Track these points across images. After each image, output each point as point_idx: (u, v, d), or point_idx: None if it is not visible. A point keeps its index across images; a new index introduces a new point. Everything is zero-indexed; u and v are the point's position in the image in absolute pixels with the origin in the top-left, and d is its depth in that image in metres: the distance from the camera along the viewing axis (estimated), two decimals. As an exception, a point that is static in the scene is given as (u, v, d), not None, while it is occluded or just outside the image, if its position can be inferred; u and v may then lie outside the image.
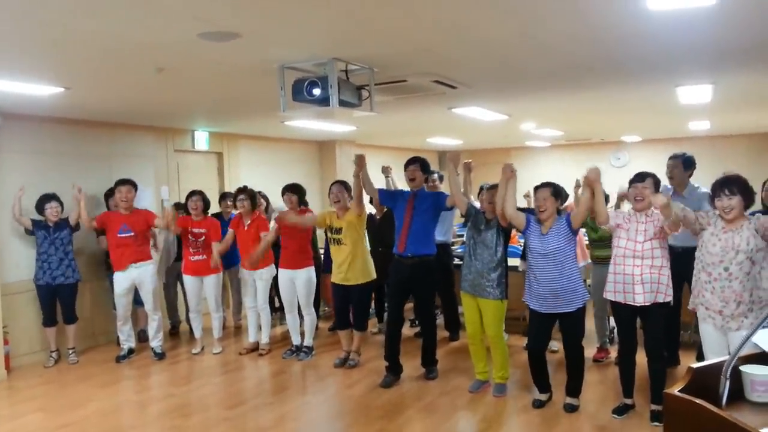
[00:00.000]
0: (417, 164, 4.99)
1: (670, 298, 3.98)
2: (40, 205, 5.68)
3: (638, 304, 3.96)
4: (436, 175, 6.19)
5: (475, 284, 4.52)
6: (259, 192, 6.31)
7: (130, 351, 5.95)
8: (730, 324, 3.55)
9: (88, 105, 5.44)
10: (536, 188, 4.29)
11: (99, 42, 3.35)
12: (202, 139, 7.69)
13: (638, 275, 3.93)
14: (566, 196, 4.33)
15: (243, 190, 5.90)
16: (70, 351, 5.85)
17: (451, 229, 6.37)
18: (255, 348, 6.04)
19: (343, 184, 5.40)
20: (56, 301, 5.76)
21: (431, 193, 5.22)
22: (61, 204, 5.76)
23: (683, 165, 4.92)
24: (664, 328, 4.05)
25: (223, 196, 7.08)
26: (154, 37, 3.29)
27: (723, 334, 3.58)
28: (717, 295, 3.58)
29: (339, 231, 5.25)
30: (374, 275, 5.36)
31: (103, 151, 6.55)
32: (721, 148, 10.76)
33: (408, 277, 4.89)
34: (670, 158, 5.03)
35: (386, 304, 5.65)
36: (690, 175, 4.96)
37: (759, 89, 5.87)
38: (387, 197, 5.23)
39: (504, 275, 4.52)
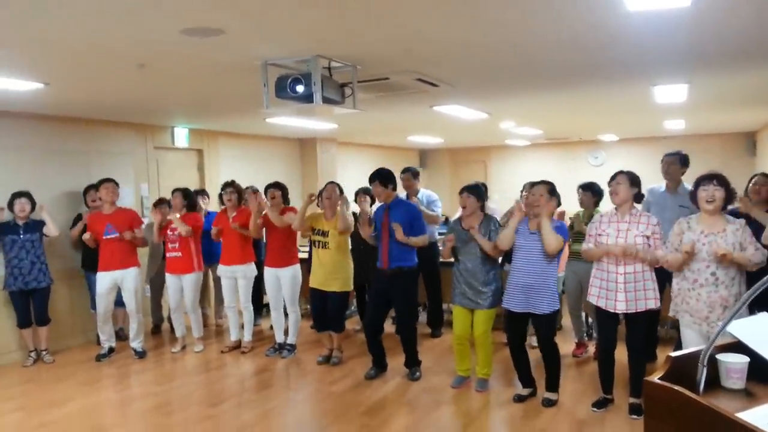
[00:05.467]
0: (376, 181, 4.90)
1: (654, 304, 3.93)
2: (11, 201, 5.56)
3: (619, 311, 3.96)
4: (409, 173, 6.19)
5: (470, 299, 4.53)
6: (249, 187, 6.28)
7: (111, 350, 5.90)
8: (716, 329, 3.51)
9: (66, 101, 5.37)
10: (533, 184, 4.37)
11: (80, 38, 3.32)
12: (182, 136, 7.64)
13: (621, 282, 3.90)
14: (559, 196, 4.37)
15: (230, 184, 5.89)
16: (44, 352, 5.78)
17: (434, 228, 6.40)
18: (237, 346, 6.03)
19: (337, 185, 5.42)
20: (30, 302, 5.65)
21: (400, 208, 4.96)
22: (33, 202, 5.63)
23: (680, 161, 5.05)
24: (646, 328, 4.08)
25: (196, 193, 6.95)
26: (136, 33, 3.27)
27: (707, 341, 3.55)
28: (703, 301, 3.54)
29: (326, 234, 5.25)
30: (351, 286, 5.39)
31: (81, 147, 6.47)
32: (696, 147, 10.95)
33: (387, 288, 4.91)
34: (666, 155, 5.13)
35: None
36: (683, 173, 5.08)
37: (732, 89, 6.01)
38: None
39: (497, 281, 4.55)
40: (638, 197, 4.12)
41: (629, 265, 3.89)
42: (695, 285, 3.58)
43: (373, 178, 4.92)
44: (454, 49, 3.82)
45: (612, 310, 3.97)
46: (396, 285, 4.87)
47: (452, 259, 4.70)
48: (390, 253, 4.85)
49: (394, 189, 5.00)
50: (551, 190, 4.25)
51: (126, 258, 5.73)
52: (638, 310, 3.92)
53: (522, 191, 5.67)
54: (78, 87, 4.78)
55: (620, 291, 3.90)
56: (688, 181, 4.96)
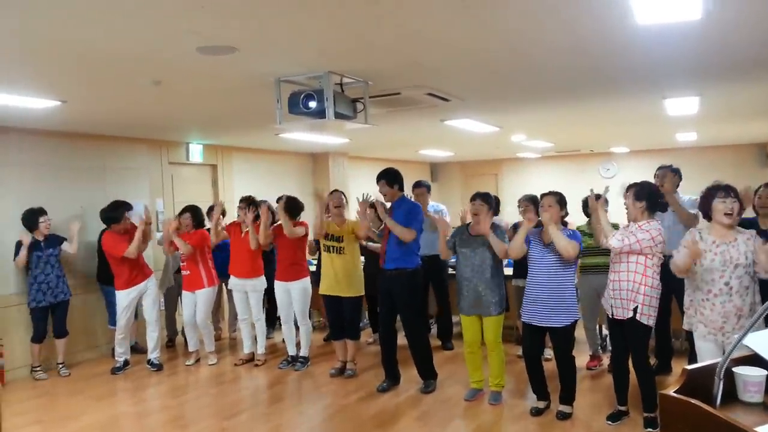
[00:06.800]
0: (383, 180, 4.98)
1: (633, 314, 3.88)
2: (32, 219, 5.63)
3: (611, 315, 4.04)
4: (424, 187, 6.23)
5: (477, 305, 4.54)
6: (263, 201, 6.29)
7: (126, 363, 5.94)
8: (732, 340, 3.47)
9: (83, 118, 5.46)
10: (542, 195, 4.38)
11: (97, 55, 3.39)
12: (196, 152, 7.72)
13: (611, 289, 4.01)
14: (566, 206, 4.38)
15: (247, 199, 5.90)
16: (60, 365, 5.83)
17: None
18: (251, 359, 6.06)
19: (342, 193, 5.50)
20: (48, 316, 5.73)
21: (403, 206, 4.99)
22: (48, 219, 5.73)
23: (673, 174, 5.11)
24: (642, 340, 3.98)
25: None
26: (152, 51, 3.34)
27: (722, 351, 3.48)
28: (717, 311, 3.51)
29: (339, 239, 5.29)
30: (363, 290, 5.44)
31: (97, 163, 6.56)
32: (708, 159, 10.93)
33: (389, 290, 4.94)
34: (659, 168, 5.22)
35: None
36: (677, 185, 5.12)
37: (744, 101, 6.00)
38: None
39: (503, 287, 4.58)
40: (659, 207, 4.08)
41: (615, 273, 4.00)
42: (709, 295, 3.55)
43: (379, 177, 5.02)
44: (464, 60, 3.85)
45: (608, 314, 4.08)
46: (396, 286, 4.89)
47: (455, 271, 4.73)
48: (388, 254, 4.92)
49: (401, 189, 5.04)
50: (560, 200, 4.26)
51: (144, 269, 5.90)
52: (617, 317, 3.99)
53: (519, 207, 5.65)
54: (95, 104, 4.86)
55: (614, 297, 4.02)
56: (683, 192, 5.14)
